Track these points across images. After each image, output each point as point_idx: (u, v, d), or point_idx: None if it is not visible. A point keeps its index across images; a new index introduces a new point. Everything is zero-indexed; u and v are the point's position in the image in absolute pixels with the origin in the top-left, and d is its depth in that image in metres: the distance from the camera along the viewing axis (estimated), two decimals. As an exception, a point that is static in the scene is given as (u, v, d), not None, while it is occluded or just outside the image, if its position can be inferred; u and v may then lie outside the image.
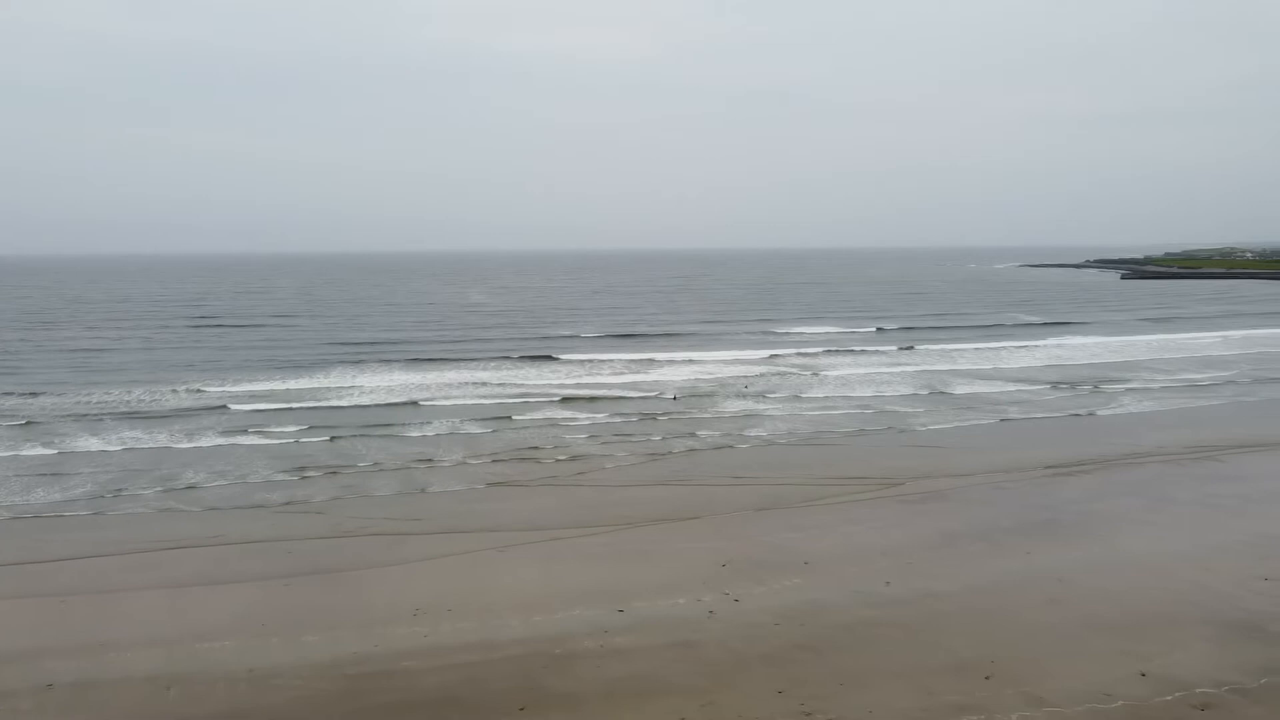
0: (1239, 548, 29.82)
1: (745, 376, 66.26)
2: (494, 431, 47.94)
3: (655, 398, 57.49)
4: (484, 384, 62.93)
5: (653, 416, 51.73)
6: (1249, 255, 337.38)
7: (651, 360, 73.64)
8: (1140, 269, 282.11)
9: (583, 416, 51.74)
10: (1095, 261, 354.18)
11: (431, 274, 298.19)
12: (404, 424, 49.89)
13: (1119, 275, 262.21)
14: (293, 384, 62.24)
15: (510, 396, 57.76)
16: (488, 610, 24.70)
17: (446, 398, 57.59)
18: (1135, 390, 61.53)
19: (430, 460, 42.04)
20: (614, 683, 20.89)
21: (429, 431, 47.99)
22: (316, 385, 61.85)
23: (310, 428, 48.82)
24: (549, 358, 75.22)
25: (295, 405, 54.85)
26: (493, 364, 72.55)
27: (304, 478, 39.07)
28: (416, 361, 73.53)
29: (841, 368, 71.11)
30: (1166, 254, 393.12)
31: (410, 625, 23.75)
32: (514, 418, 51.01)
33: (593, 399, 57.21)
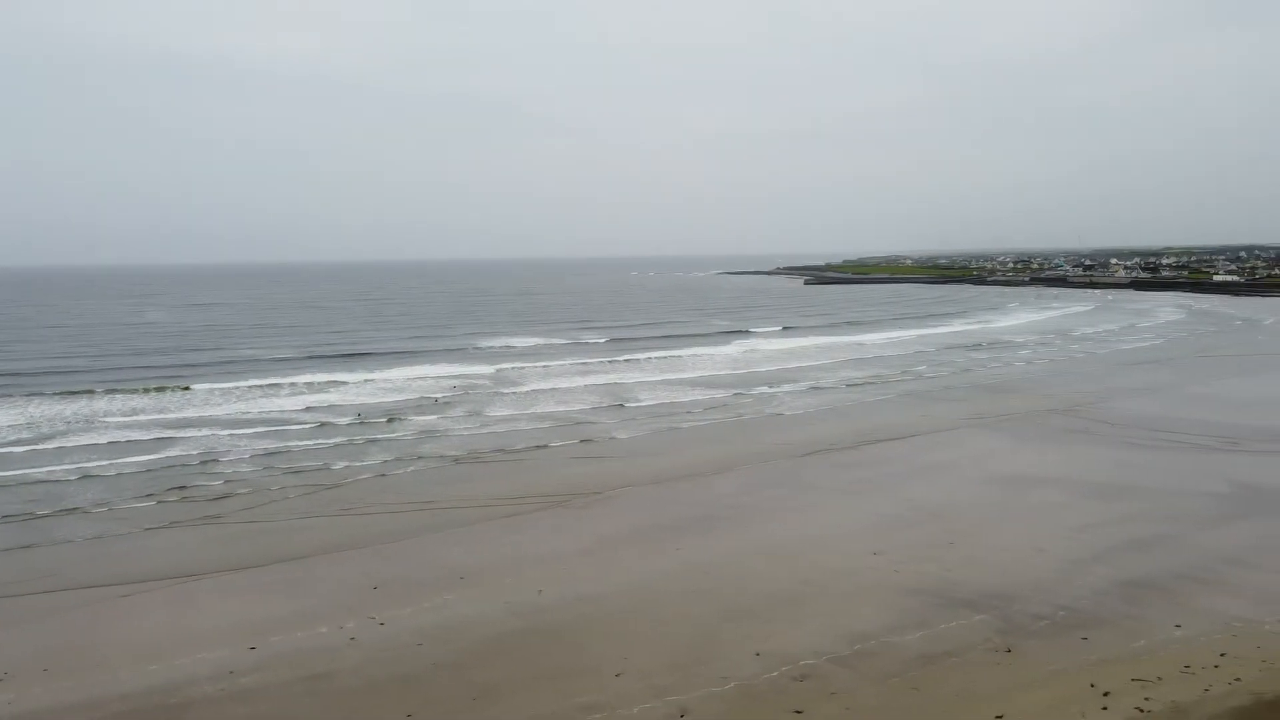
0: (858, 527, 33.18)
1: (435, 394, 65.23)
2: (146, 471, 43.00)
3: (333, 423, 54.79)
4: (139, 413, 57.33)
5: (331, 442, 49.36)
6: (909, 262, 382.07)
7: (336, 381, 70.48)
8: (821, 275, 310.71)
9: (252, 445, 48.31)
10: (784, 269, 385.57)
11: (112, 289, 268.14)
12: (32, 465, 44.12)
13: (803, 281, 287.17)
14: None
15: (171, 428, 52.81)
16: (95, 666, 22.31)
17: (89, 430, 51.82)
18: (802, 390, 67.10)
19: (60, 506, 37.42)
20: (231, 729, 19.52)
21: (61, 474, 42.62)
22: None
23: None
24: (223, 381, 69.77)
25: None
26: (153, 391, 66.11)
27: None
28: (65, 395, 65.00)
29: (534, 381, 71.90)
30: (844, 261, 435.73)
31: (-8, 694, 20.91)
32: (172, 452, 46.57)
33: (267, 426, 53.70)
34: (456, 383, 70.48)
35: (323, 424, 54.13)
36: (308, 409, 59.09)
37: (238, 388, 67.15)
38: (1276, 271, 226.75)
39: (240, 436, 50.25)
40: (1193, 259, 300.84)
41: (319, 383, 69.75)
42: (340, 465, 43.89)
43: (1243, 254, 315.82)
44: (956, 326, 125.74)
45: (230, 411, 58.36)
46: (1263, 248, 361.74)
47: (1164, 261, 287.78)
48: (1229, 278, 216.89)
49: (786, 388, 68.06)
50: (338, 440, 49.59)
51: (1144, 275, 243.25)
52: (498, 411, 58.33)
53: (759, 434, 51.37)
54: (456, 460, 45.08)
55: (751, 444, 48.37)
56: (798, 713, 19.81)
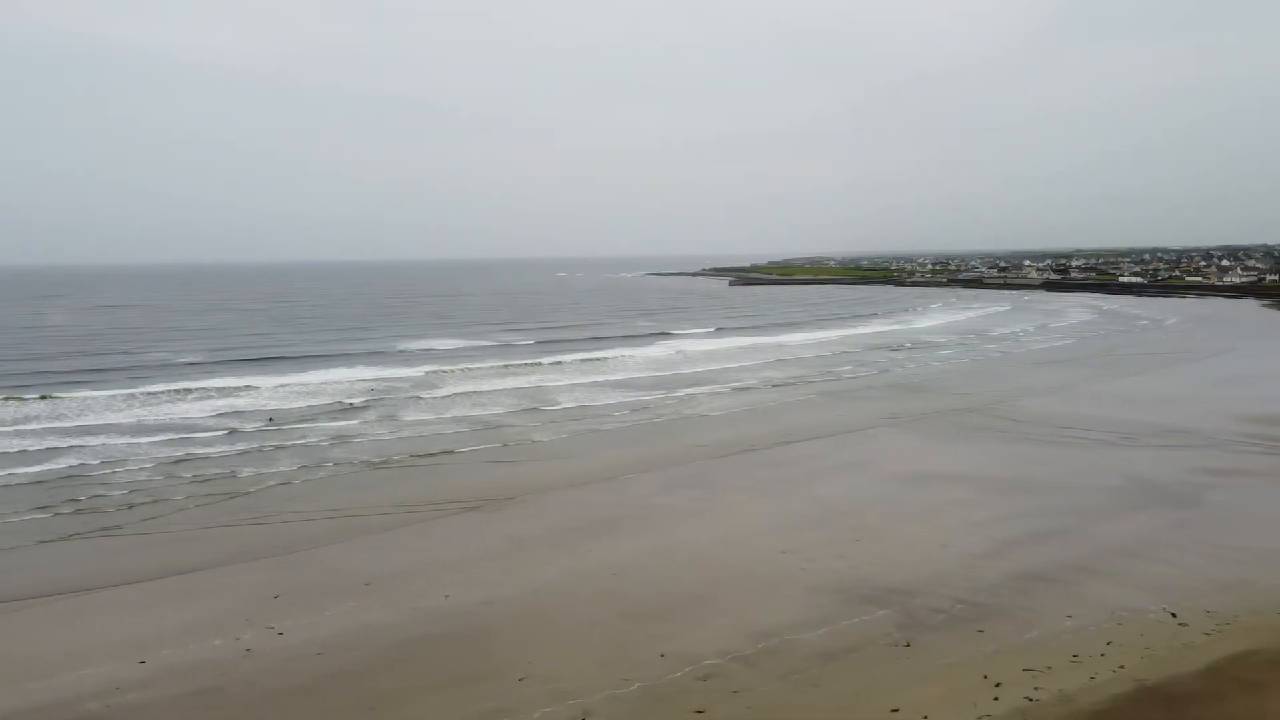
0: (769, 526, 33.48)
1: (350, 398, 63.91)
2: (40, 482, 41.03)
3: (241, 429, 53.22)
4: (32, 420, 54.99)
5: (238, 448, 47.91)
6: (832, 263, 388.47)
7: (248, 386, 68.45)
8: (746, 276, 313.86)
9: (155, 453, 46.66)
10: (709, 270, 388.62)
11: (21, 291, 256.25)
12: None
13: (729, 282, 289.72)
14: None
15: (69, 436, 50.61)
16: (-30, 687, 21.30)
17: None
18: (724, 391, 67.55)
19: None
20: (114, 747, 18.81)
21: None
22: None
23: None
24: (127, 386, 66.98)
25: None
26: (50, 398, 63.11)
27: None
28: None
29: (453, 384, 71.06)
30: (770, 262, 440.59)
31: None
32: (70, 461, 44.59)
33: (172, 432, 51.92)
34: (374, 386, 69.27)
35: (231, 430, 52.61)
36: (216, 415, 57.39)
37: (141, 393, 64.71)
38: (1177, 273, 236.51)
39: (142, 444, 48.52)
40: (1100, 261, 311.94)
41: (229, 387, 67.73)
42: (247, 472, 42.71)
43: (1146, 256, 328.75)
44: (877, 327, 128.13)
45: (133, 418, 56.30)
46: (1165, 250, 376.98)
47: (1073, 263, 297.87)
48: (1133, 279, 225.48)
49: (708, 389, 68.47)
50: (246, 447, 48.23)
51: (1055, 277, 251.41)
52: (414, 415, 57.45)
53: (678, 435, 51.51)
54: (369, 466, 44.25)
55: (670, 445, 48.49)
56: (699, 713, 19.87)
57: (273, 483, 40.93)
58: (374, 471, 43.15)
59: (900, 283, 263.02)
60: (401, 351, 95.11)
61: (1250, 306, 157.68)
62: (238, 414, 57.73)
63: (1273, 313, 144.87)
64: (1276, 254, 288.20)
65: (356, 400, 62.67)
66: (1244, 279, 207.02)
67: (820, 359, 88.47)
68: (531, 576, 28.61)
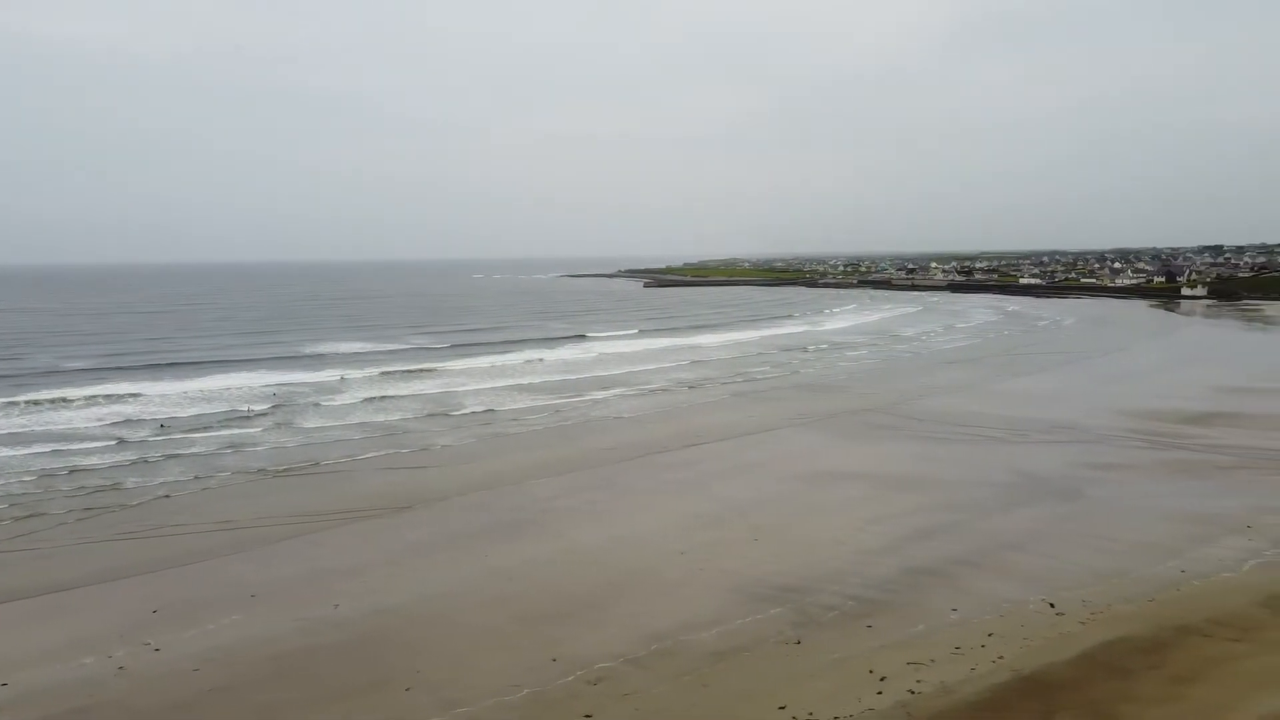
0: (668, 528, 33.55)
1: (248, 403, 61.97)
2: None
3: (128, 438, 51.10)
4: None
5: (124, 458, 45.91)
6: (746, 265, 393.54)
7: (138, 393, 65.82)
8: (661, 278, 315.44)
9: (32, 464, 44.43)
10: (625, 271, 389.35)
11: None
12: None
13: (643, 284, 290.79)
14: None
15: (-56, 444, 48.12)
16: None
17: None
18: (635, 393, 67.56)
19: None
20: (-33, 777, 17.79)
21: None
22: None
23: None
24: (10, 393, 63.73)
25: None
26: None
27: None
28: None
29: (359, 389, 69.61)
30: (684, 264, 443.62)
31: None
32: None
33: (52, 442, 49.55)
34: (275, 391, 67.30)
35: (119, 440, 50.49)
36: (103, 423, 54.98)
37: (22, 401, 61.57)
38: (1073, 275, 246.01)
39: (19, 455, 46.16)
40: (1002, 263, 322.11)
41: (119, 394, 65.00)
42: (133, 484, 41.02)
43: (1044, 259, 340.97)
44: (790, 328, 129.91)
45: (11, 427, 53.59)
46: (1062, 253, 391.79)
47: (977, 265, 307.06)
48: (1033, 280, 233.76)
49: (621, 391, 68.43)
50: (133, 457, 46.32)
51: (959, 278, 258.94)
52: (315, 422, 55.97)
53: (586, 438, 51.28)
54: (264, 474, 42.90)
55: (577, 449, 48.25)
56: (587, 717, 19.74)
57: (160, 494, 39.40)
58: (269, 480, 41.87)
59: (813, 284, 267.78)
60: (308, 355, 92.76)
61: (1140, 307, 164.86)
62: (127, 422, 55.41)
63: (1160, 313, 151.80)
64: (1163, 257, 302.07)
65: (256, 406, 60.83)
66: (1134, 280, 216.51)
67: (734, 360, 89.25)
68: (425, 584, 28.11)
